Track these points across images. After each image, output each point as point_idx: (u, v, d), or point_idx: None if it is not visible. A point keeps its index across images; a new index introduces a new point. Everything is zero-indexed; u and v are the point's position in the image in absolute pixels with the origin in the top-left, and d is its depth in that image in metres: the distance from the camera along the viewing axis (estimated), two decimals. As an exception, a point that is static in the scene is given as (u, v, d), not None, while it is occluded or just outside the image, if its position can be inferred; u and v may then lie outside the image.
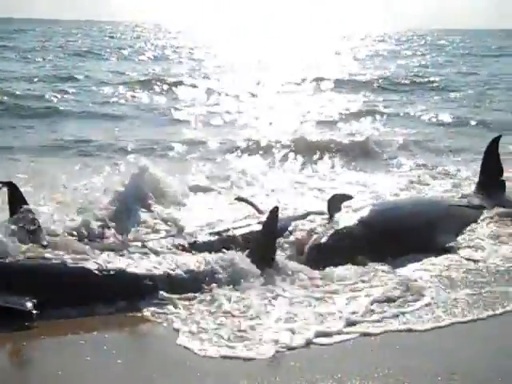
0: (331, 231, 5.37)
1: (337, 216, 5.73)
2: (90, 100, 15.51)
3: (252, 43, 45.55)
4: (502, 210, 6.47)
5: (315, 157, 10.12)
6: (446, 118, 14.37)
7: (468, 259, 5.21)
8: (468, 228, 5.96)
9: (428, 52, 41.52)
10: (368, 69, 27.04)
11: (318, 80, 21.20)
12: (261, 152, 10.44)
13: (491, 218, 6.29)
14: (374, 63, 30.99)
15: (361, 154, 10.36)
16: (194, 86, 19.12)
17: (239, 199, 6.71)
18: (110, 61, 28.12)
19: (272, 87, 19.61)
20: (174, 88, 18.51)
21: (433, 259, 5.19)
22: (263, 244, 4.82)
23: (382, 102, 17.28)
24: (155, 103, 16.03)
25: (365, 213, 5.68)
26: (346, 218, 5.60)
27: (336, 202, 6.01)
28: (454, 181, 8.53)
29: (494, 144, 7.26)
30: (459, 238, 5.67)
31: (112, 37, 52.13)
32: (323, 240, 5.26)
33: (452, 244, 5.51)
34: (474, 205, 6.62)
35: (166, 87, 18.60)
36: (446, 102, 17.47)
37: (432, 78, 23.00)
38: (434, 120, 14.26)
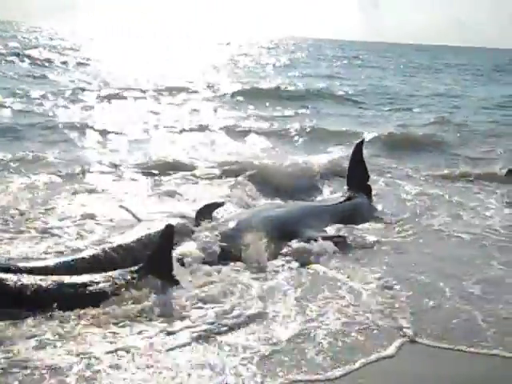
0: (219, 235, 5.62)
1: (214, 223, 6.05)
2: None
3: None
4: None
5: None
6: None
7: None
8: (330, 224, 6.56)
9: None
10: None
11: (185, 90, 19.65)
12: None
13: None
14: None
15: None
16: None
17: (122, 207, 6.81)
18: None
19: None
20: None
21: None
22: (160, 258, 4.85)
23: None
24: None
25: (244, 217, 6.11)
26: (225, 223, 5.96)
27: (206, 212, 6.30)
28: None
29: (358, 149, 7.74)
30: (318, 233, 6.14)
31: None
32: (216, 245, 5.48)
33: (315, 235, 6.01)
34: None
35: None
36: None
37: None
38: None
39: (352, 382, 3.60)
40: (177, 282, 4.76)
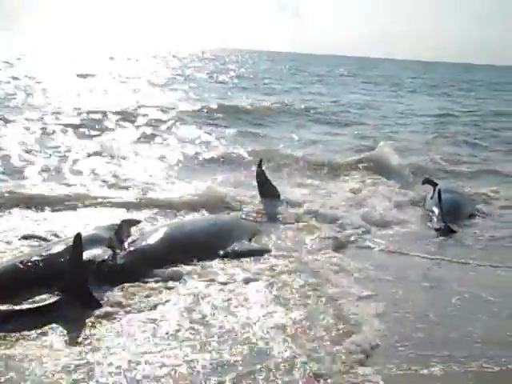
0: (128, 252, 5.59)
1: (132, 238, 6.05)
2: None
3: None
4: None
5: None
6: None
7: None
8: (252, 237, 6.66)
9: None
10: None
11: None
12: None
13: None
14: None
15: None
16: None
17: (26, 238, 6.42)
18: None
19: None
20: None
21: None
22: (72, 274, 4.63)
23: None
24: None
25: (161, 231, 6.06)
26: (141, 238, 5.92)
27: (125, 227, 6.29)
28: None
29: (259, 168, 8.23)
30: (241, 246, 6.23)
31: None
32: (122, 260, 5.42)
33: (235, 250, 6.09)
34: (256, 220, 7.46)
35: None
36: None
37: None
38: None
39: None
40: (96, 302, 4.61)
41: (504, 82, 55.53)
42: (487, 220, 8.22)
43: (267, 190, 8.17)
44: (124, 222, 6.42)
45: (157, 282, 5.19)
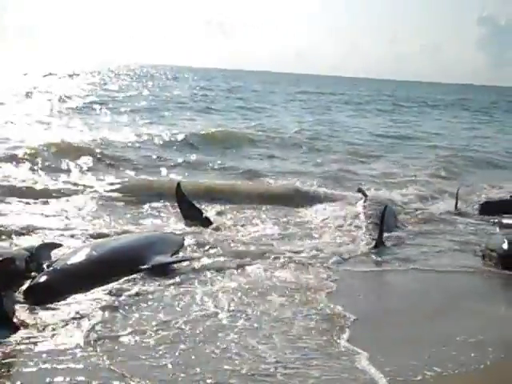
0: (47, 271, 5.49)
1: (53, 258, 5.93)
2: None
3: None
4: None
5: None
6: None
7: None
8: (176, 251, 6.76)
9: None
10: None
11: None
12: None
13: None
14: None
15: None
16: None
17: None
18: None
19: None
20: None
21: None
22: None
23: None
24: None
25: (81, 251, 5.99)
26: (61, 258, 5.83)
27: (44, 249, 6.15)
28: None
29: (178, 189, 8.45)
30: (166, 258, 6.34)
31: None
32: (40, 280, 5.31)
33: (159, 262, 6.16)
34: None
35: None
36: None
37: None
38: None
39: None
40: (13, 325, 4.50)
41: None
42: (405, 231, 8.63)
43: (189, 211, 8.29)
44: (44, 244, 6.30)
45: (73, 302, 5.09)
